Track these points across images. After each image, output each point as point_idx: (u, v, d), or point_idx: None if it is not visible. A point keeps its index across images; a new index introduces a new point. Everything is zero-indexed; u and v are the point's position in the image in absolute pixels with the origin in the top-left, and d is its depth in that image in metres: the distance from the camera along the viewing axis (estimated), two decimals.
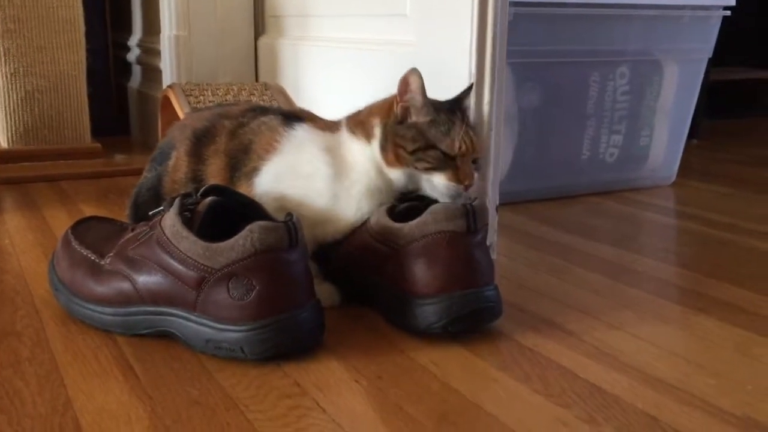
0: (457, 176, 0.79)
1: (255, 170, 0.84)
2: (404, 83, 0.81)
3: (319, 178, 0.81)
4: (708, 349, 0.75)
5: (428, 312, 0.74)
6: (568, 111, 1.37)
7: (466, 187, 0.79)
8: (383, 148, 0.81)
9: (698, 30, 1.43)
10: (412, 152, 0.79)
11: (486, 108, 0.97)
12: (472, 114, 0.97)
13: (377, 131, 0.82)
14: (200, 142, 0.89)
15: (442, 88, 1.00)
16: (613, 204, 1.37)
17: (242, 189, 0.83)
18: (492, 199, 1.00)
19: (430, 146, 0.79)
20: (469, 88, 0.89)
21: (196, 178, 0.88)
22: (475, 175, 0.82)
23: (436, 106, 0.82)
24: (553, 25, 1.28)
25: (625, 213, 1.32)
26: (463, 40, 0.96)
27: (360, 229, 0.80)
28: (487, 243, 1.00)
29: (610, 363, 0.71)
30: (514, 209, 1.29)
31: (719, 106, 2.30)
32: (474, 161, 0.82)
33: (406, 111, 0.81)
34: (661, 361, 0.72)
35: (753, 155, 1.92)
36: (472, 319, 0.75)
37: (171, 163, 0.91)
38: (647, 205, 1.37)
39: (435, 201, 0.79)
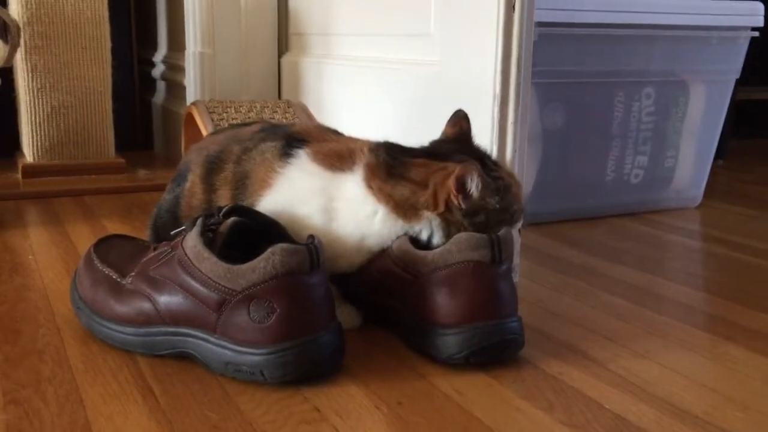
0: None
1: (252, 206, 0.81)
2: (460, 183, 0.75)
3: (315, 221, 0.78)
4: (736, 380, 0.73)
5: (450, 342, 0.72)
6: (593, 131, 1.36)
7: None
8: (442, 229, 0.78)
9: (726, 51, 1.42)
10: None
11: (510, 128, 0.96)
12: (495, 133, 0.96)
13: (431, 223, 0.77)
14: (212, 168, 0.87)
15: (466, 108, 1.00)
16: (637, 226, 1.36)
17: None
18: None
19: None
20: (467, 127, 0.86)
21: (210, 207, 0.86)
22: None
23: (490, 186, 0.77)
24: (578, 45, 1.27)
25: (649, 235, 1.30)
26: (488, 60, 0.95)
27: (382, 253, 0.79)
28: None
29: (635, 393, 0.70)
30: (538, 230, 1.28)
31: (746, 126, 2.27)
32: None
33: (469, 202, 0.77)
34: (688, 392, 0.70)
35: None
36: (495, 351, 0.73)
37: (187, 186, 0.89)
38: (672, 228, 1.35)
39: None
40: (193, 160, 0.91)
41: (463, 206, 0.76)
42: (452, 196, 0.76)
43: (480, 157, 0.82)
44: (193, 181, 0.89)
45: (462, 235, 0.73)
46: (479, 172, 0.75)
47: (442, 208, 0.77)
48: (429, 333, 0.74)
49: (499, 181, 0.78)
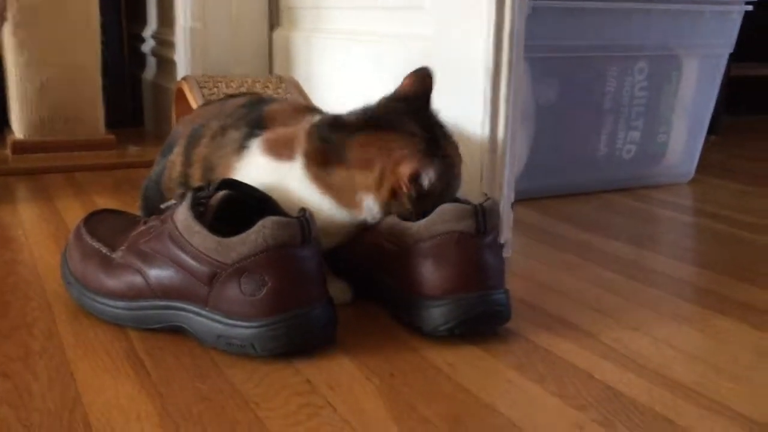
0: None
1: None
2: (414, 178, 0.74)
3: None
4: (727, 352, 0.74)
5: (434, 314, 0.72)
6: (586, 106, 1.35)
7: None
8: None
9: (719, 25, 1.41)
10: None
11: (503, 104, 0.95)
12: (487, 108, 0.95)
13: (370, 206, 0.77)
14: (191, 142, 0.86)
15: (458, 83, 0.99)
16: (629, 201, 1.36)
17: None
18: (507, 197, 0.98)
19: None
20: (429, 86, 0.83)
21: (186, 182, 0.85)
22: None
23: (442, 171, 0.75)
24: (571, 19, 1.26)
25: (642, 210, 1.30)
26: (481, 34, 0.95)
27: (372, 226, 0.79)
28: (502, 241, 0.99)
29: (626, 364, 0.70)
30: (530, 206, 1.28)
31: (739, 102, 2.27)
32: None
33: (420, 190, 0.75)
34: (679, 364, 0.70)
35: None
36: (480, 323, 0.73)
37: (171, 158, 0.89)
38: (664, 203, 1.35)
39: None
40: (181, 132, 0.91)
41: (414, 195, 0.75)
42: (402, 186, 0.75)
43: (431, 126, 0.79)
44: (177, 152, 0.89)
45: (447, 206, 0.72)
46: (436, 168, 0.74)
47: (387, 197, 0.76)
48: (414, 305, 0.74)
49: (446, 160, 0.77)
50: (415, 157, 0.74)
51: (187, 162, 0.86)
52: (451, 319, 0.72)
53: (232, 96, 0.97)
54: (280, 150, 0.79)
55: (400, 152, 0.75)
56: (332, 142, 0.77)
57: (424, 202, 0.76)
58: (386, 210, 0.77)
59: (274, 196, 0.76)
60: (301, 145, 0.78)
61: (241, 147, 0.81)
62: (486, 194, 0.93)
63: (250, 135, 0.81)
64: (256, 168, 0.79)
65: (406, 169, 0.74)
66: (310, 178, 0.77)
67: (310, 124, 0.80)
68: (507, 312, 0.75)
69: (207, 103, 1.03)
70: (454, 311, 0.72)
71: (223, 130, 0.85)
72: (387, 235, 0.76)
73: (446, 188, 0.77)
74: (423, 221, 0.73)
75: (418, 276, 0.73)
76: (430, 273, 0.73)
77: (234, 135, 0.83)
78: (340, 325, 0.73)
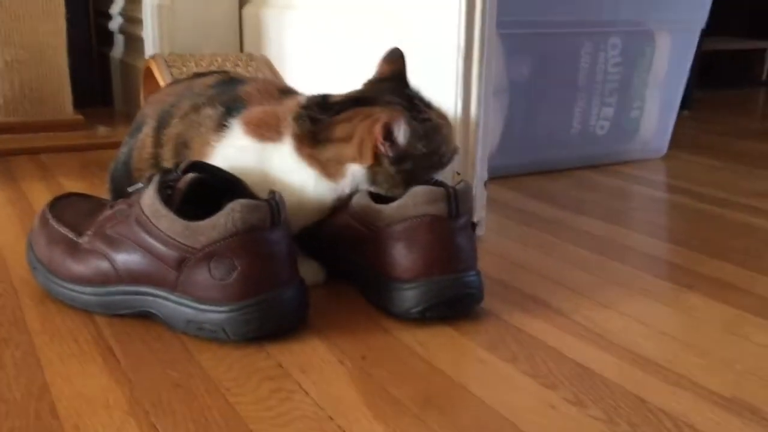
0: None
1: None
2: (386, 131, 0.74)
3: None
4: (696, 328, 0.74)
5: (406, 297, 0.72)
6: (559, 83, 1.35)
7: None
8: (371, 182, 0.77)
9: (692, 0, 1.41)
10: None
11: (475, 81, 0.94)
12: (459, 86, 0.94)
13: (357, 176, 0.77)
14: (161, 122, 0.85)
15: (430, 60, 0.98)
16: (603, 178, 1.36)
17: None
18: (480, 175, 0.98)
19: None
20: (402, 66, 0.84)
21: (156, 163, 0.84)
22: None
23: (418, 131, 0.76)
24: None
25: (615, 187, 1.31)
26: (452, 9, 0.93)
27: (342, 208, 0.78)
28: (476, 219, 0.99)
29: (597, 342, 0.70)
30: (504, 183, 1.28)
31: (711, 77, 2.28)
32: None
33: (396, 149, 0.75)
34: (649, 341, 0.71)
35: (745, 127, 1.91)
36: (451, 306, 0.73)
37: (140, 137, 0.88)
38: (638, 179, 1.36)
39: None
40: (148, 113, 0.89)
41: (390, 154, 0.75)
42: (379, 144, 0.75)
43: (410, 98, 0.80)
44: (146, 133, 0.87)
45: (418, 189, 0.72)
46: (405, 119, 0.74)
47: (370, 159, 0.76)
48: (386, 287, 0.73)
49: (427, 123, 0.77)
50: (387, 113, 0.74)
51: (158, 142, 0.85)
52: (423, 302, 0.71)
53: (200, 74, 0.95)
54: (263, 131, 0.79)
55: (376, 116, 0.75)
56: (320, 123, 0.78)
57: (405, 165, 0.76)
58: (373, 179, 0.77)
59: (255, 176, 0.76)
60: (289, 128, 0.78)
61: (220, 125, 0.80)
62: (458, 173, 0.93)
63: (228, 114, 0.81)
64: (237, 149, 0.79)
65: (377, 126, 0.74)
66: (301, 159, 0.78)
67: (298, 106, 0.80)
68: (479, 294, 0.75)
69: (174, 82, 1.01)
70: (426, 294, 0.71)
71: (195, 108, 0.84)
72: (358, 217, 0.76)
73: (435, 151, 0.77)
74: (395, 204, 0.73)
75: (389, 259, 0.73)
76: (401, 256, 0.72)
77: (209, 112, 0.82)
78: (312, 306, 0.73)
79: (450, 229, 0.72)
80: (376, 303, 0.76)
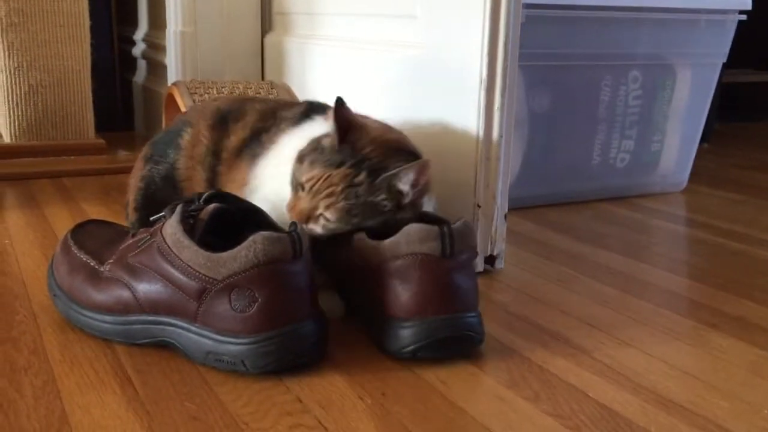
0: None
1: (262, 146, 0.88)
2: None
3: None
4: (722, 369, 0.73)
5: (400, 335, 0.70)
6: (579, 115, 1.34)
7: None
8: None
9: (713, 34, 1.41)
10: None
11: (497, 113, 0.95)
12: (481, 117, 0.94)
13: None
14: (226, 117, 0.92)
15: (452, 92, 0.98)
16: (623, 210, 1.35)
17: (243, 164, 0.87)
18: (501, 207, 0.97)
19: None
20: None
21: (216, 151, 0.90)
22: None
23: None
24: (566, 28, 1.26)
25: (635, 220, 1.30)
26: (475, 43, 0.94)
27: (348, 243, 0.77)
28: (494, 253, 0.98)
29: (620, 382, 0.69)
30: (523, 215, 1.27)
31: (731, 110, 2.27)
32: None
33: None
34: (673, 381, 0.70)
35: (765, 161, 1.89)
36: (447, 347, 0.71)
37: (186, 139, 0.92)
38: (658, 212, 1.35)
39: None
40: (190, 118, 0.95)
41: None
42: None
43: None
44: (199, 132, 0.93)
45: (413, 227, 0.71)
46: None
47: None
48: (382, 324, 0.72)
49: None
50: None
51: (224, 134, 0.91)
52: (415, 341, 0.70)
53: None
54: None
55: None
56: None
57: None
58: None
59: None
60: None
61: (296, 125, 0.89)
62: (479, 206, 0.93)
63: (301, 122, 0.89)
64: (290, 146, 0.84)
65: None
66: None
67: None
68: (479, 336, 0.73)
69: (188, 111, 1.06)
70: (419, 334, 0.70)
71: (275, 111, 0.93)
72: (357, 252, 0.75)
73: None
74: (388, 241, 0.72)
75: (383, 295, 0.72)
76: (395, 294, 0.71)
77: (290, 112, 0.92)
78: (332, 340, 0.72)
79: (444, 269, 0.70)
80: (374, 340, 0.75)
